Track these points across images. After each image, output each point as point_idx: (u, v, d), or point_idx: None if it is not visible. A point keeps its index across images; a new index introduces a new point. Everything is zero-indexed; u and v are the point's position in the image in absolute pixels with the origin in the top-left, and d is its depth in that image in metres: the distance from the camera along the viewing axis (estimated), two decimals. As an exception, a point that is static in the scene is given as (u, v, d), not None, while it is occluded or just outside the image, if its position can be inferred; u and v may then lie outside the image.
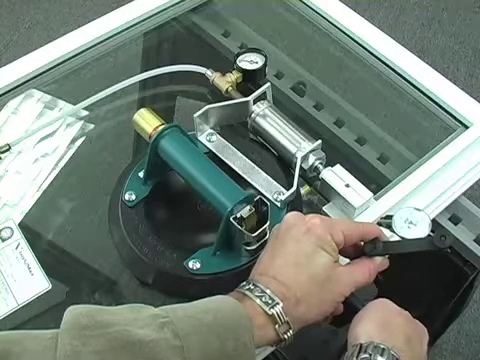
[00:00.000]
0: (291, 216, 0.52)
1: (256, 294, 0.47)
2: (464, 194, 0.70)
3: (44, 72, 0.79)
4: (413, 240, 0.52)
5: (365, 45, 0.81)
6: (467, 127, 0.72)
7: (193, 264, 0.57)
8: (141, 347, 0.41)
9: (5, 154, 0.72)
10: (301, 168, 0.63)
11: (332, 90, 0.80)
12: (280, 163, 0.65)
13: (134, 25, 0.85)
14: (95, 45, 0.82)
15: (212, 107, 0.66)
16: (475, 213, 0.70)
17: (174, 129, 0.61)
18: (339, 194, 0.62)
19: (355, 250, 0.53)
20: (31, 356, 0.40)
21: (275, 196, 0.61)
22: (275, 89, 0.73)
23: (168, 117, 0.75)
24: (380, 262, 0.52)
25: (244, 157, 0.65)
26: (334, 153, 0.68)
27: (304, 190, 0.65)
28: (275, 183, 0.63)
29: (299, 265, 0.49)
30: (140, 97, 0.81)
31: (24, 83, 0.78)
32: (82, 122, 0.77)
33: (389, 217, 0.55)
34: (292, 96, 0.79)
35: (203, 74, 0.76)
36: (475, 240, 0.70)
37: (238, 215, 0.54)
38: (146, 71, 0.77)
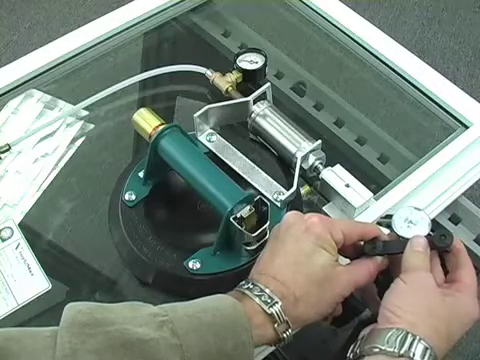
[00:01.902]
0: (290, 215, 0.52)
1: (255, 293, 0.47)
2: (464, 194, 0.70)
3: (44, 72, 0.79)
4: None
5: (365, 45, 0.81)
6: (467, 127, 0.72)
7: (193, 264, 0.57)
8: (140, 346, 0.41)
9: (5, 154, 0.72)
10: (301, 168, 0.63)
11: (332, 90, 0.80)
12: (280, 163, 0.65)
13: (134, 25, 0.85)
14: (95, 45, 0.82)
15: (212, 107, 0.66)
16: (475, 213, 0.70)
17: (174, 129, 0.61)
18: (339, 194, 0.62)
19: (355, 250, 0.53)
20: (30, 355, 0.40)
21: (275, 196, 0.61)
22: (275, 89, 0.73)
23: (168, 117, 0.75)
24: (380, 262, 0.52)
25: (244, 157, 0.65)
26: (334, 153, 0.68)
27: (304, 190, 0.65)
28: (275, 183, 0.63)
29: (298, 264, 0.49)
30: (140, 97, 0.81)
31: (24, 83, 0.78)
32: (82, 122, 0.77)
33: (389, 216, 0.55)
34: (292, 96, 0.79)
35: (203, 74, 0.76)
36: (475, 240, 0.70)
37: (238, 215, 0.54)
38: (146, 71, 0.77)
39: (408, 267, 0.50)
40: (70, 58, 0.81)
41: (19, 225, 0.65)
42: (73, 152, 0.75)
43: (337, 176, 0.63)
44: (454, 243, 0.51)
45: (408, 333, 0.45)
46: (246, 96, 0.68)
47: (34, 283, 0.61)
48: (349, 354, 0.48)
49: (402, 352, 0.44)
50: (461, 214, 0.71)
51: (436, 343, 0.45)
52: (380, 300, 0.50)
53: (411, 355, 0.44)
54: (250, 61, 0.75)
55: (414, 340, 0.45)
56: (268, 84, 0.68)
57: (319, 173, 0.64)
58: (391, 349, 0.45)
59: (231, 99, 0.70)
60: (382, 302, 0.49)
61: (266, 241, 0.55)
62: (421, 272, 0.49)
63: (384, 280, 0.52)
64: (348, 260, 0.54)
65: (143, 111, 0.67)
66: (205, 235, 0.61)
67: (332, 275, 0.49)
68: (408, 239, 0.52)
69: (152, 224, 0.61)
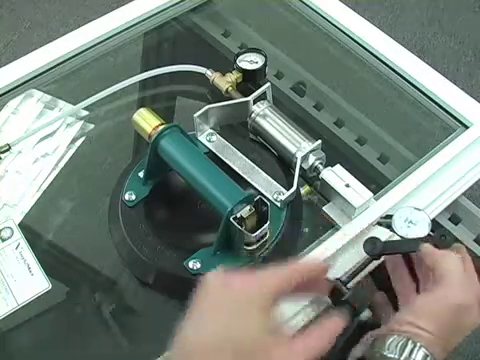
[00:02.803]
0: (209, 276, 0.43)
1: None
2: (464, 194, 0.70)
3: (44, 72, 0.79)
4: (413, 239, 0.52)
5: (365, 45, 0.81)
6: (467, 127, 0.72)
7: (193, 264, 0.57)
8: None
9: (5, 154, 0.72)
10: (301, 168, 0.63)
11: (332, 90, 0.80)
12: (280, 163, 0.65)
13: (134, 25, 0.85)
14: (95, 45, 0.82)
15: (212, 107, 0.66)
16: (475, 213, 0.70)
17: (174, 129, 0.61)
18: (339, 194, 0.62)
19: (325, 286, 0.51)
20: None
21: (275, 196, 0.61)
22: (275, 89, 0.73)
23: (168, 117, 0.75)
24: (341, 321, 0.45)
25: (244, 157, 0.65)
26: (334, 153, 0.68)
27: (304, 190, 0.65)
28: (275, 183, 0.63)
29: (222, 341, 0.38)
30: (140, 97, 0.81)
31: (24, 83, 0.78)
32: (82, 122, 0.77)
33: (389, 217, 0.55)
34: (292, 96, 0.79)
35: (203, 74, 0.76)
36: (475, 240, 0.70)
37: (238, 215, 0.54)
38: (146, 71, 0.77)
39: (448, 280, 0.48)
40: (70, 58, 0.81)
41: (19, 225, 0.65)
42: (73, 152, 0.75)
43: (337, 176, 0.63)
44: (422, 249, 0.50)
45: (409, 340, 0.45)
46: (246, 96, 0.67)
47: (34, 283, 0.61)
48: (350, 358, 0.48)
49: (402, 358, 0.45)
50: (461, 214, 0.71)
51: (437, 349, 0.46)
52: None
53: None
54: (250, 61, 0.75)
55: (414, 348, 0.45)
56: (268, 84, 0.68)
57: (319, 173, 0.64)
58: (392, 355, 0.45)
59: (231, 99, 0.70)
60: (405, 309, 0.48)
61: (266, 241, 0.55)
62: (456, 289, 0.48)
63: (382, 277, 0.53)
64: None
65: (143, 111, 0.67)
66: (205, 235, 0.61)
67: (270, 351, 0.38)
68: (408, 239, 0.52)
69: (152, 224, 0.61)
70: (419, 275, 0.53)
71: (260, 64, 0.75)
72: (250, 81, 0.75)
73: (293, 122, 0.67)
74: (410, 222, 0.53)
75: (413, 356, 0.45)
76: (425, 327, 0.46)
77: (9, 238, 0.64)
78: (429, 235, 0.52)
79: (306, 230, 0.64)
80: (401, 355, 0.45)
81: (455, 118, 0.74)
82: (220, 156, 0.65)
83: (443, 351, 0.47)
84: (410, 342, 0.45)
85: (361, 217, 0.63)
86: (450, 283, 0.48)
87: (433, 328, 0.46)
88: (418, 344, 0.45)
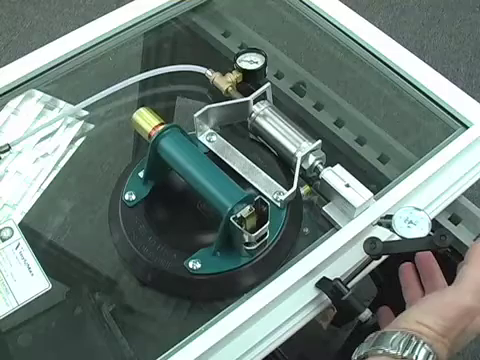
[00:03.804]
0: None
1: None
2: (464, 194, 0.70)
3: (44, 72, 0.79)
4: (413, 240, 0.52)
5: (365, 45, 0.81)
6: (467, 127, 0.72)
7: (193, 264, 0.57)
8: None
9: (5, 154, 0.72)
10: (301, 168, 0.63)
11: (332, 90, 0.80)
12: (280, 163, 0.65)
13: (134, 25, 0.85)
14: (95, 45, 0.82)
15: (212, 107, 0.66)
16: (475, 213, 0.70)
17: (174, 129, 0.61)
18: (339, 194, 0.62)
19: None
20: None
21: (275, 196, 0.61)
22: (275, 89, 0.73)
23: (168, 117, 0.75)
24: None
25: (244, 157, 0.65)
26: (334, 153, 0.68)
27: (304, 190, 0.65)
28: (275, 183, 0.63)
29: None
30: (140, 97, 0.81)
31: (24, 83, 0.78)
32: (82, 122, 0.77)
33: (389, 217, 0.55)
34: (292, 96, 0.79)
35: (203, 74, 0.76)
36: (475, 240, 0.70)
37: (238, 215, 0.54)
38: (146, 71, 0.77)
39: (462, 283, 0.49)
40: (70, 58, 0.81)
41: (19, 225, 0.65)
42: (73, 152, 0.75)
43: (337, 176, 0.63)
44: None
45: (412, 336, 0.45)
46: (246, 96, 0.68)
47: (34, 283, 0.61)
48: (354, 356, 0.48)
49: (405, 355, 0.44)
50: (461, 214, 0.71)
51: (441, 348, 0.46)
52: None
53: (414, 358, 0.44)
54: (250, 61, 0.75)
55: (418, 344, 0.45)
56: (268, 84, 0.68)
57: (319, 173, 0.64)
58: (394, 351, 0.45)
59: (231, 99, 0.70)
60: (413, 308, 0.49)
61: (266, 241, 0.55)
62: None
63: (384, 280, 0.53)
64: None
65: (143, 111, 0.67)
66: (205, 235, 0.61)
67: None
68: (408, 239, 0.52)
69: (152, 224, 0.61)
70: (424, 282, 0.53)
71: (260, 64, 0.75)
72: (250, 81, 0.75)
73: (293, 122, 0.67)
74: (410, 222, 0.53)
75: (416, 353, 0.44)
76: (431, 325, 0.46)
77: (9, 238, 0.64)
78: (429, 235, 0.52)
79: (306, 230, 0.64)
80: (404, 352, 0.45)
81: (455, 118, 0.74)
82: (220, 156, 0.65)
83: (449, 352, 0.47)
84: (413, 338, 0.45)
85: (361, 217, 0.63)
86: (463, 286, 0.49)
87: (439, 327, 0.46)
88: (421, 341, 0.45)
